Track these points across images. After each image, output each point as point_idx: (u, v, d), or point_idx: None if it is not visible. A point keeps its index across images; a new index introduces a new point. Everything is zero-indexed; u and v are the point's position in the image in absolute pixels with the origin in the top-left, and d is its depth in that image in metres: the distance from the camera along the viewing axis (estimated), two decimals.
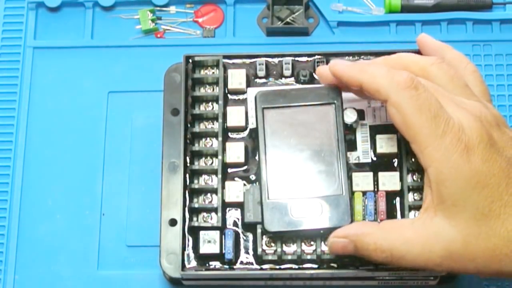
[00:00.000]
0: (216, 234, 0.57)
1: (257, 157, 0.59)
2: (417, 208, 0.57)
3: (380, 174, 0.58)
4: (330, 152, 0.56)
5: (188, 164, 0.59)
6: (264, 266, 0.57)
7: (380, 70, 0.52)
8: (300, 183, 0.56)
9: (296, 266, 0.56)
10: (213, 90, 0.61)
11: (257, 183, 0.58)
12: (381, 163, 0.59)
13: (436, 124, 0.50)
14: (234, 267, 0.57)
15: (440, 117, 0.50)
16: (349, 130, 0.58)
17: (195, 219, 0.58)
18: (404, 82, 0.51)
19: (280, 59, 0.61)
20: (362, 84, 0.53)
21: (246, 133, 0.60)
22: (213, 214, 0.58)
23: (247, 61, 0.61)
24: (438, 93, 0.52)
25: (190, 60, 0.61)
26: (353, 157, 0.59)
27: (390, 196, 0.58)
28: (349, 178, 0.57)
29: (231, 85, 0.60)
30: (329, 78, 0.56)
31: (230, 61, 0.61)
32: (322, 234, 0.56)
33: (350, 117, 0.58)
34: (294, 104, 0.57)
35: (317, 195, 0.55)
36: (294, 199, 0.55)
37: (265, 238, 0.57)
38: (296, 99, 0.57)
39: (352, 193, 0.57)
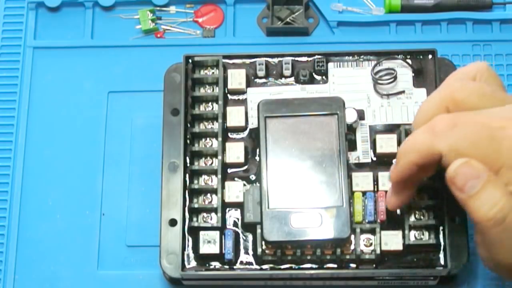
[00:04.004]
0: (216, 234, 0.57)
1: (257, 157, 0.59)
2: (417, 208, 0.57)
3: (380, 174, 0.58)
4: (331, 163, 0.56)
5: (188, 164, 0.59)
6: (264, 266, 0.57)
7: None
8: (300, 193, 0.55)
9: (296, 266, 0.56)
10: (213, 90, 0.61)
11: (257, 183, 0.58)
12: (381, 163, 0.59)
13: None
14: (234, 267, 0.57)
15: None
16: (349, 130, 0.58)
17: (195, 219, 0.58)
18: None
19: (280, 59, 0.61)
20: None
21: (246, 133, 0.60)
22: (213, 214, 0.58)
23: (247, 61, 0.61)
24: None
25: (190, 60, 0.61)
26: (353, 157, 0.59)
27: None
28: (349, 177, 0.57)
29: (231, 85, 0.60)
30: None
31: (230, 61, 0.61)
32: (321, 243, 0.55)
33: (350, 117, 0.58)
34: (297, 114, 0.57)
35: (318, 206, 0.55)
36: (294, 209, 0.55)
37: None
38: (298, 109, 0.57)
39: (352, 193, 0.57)
